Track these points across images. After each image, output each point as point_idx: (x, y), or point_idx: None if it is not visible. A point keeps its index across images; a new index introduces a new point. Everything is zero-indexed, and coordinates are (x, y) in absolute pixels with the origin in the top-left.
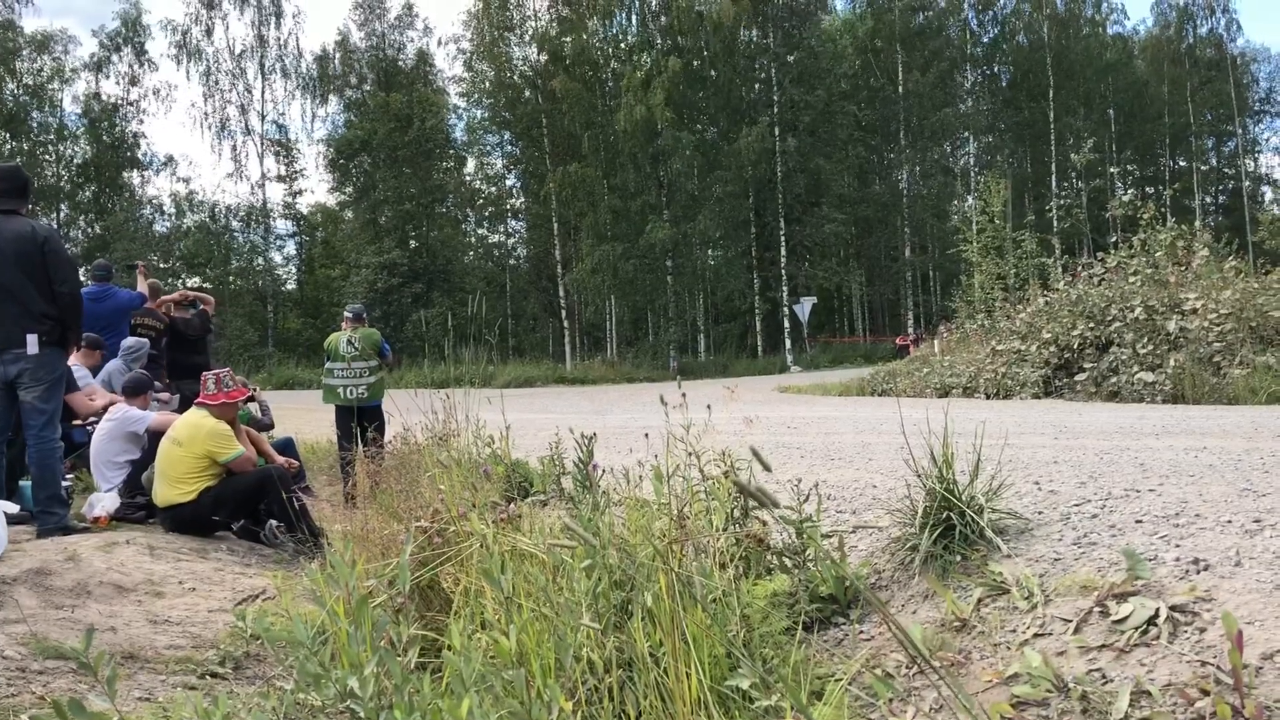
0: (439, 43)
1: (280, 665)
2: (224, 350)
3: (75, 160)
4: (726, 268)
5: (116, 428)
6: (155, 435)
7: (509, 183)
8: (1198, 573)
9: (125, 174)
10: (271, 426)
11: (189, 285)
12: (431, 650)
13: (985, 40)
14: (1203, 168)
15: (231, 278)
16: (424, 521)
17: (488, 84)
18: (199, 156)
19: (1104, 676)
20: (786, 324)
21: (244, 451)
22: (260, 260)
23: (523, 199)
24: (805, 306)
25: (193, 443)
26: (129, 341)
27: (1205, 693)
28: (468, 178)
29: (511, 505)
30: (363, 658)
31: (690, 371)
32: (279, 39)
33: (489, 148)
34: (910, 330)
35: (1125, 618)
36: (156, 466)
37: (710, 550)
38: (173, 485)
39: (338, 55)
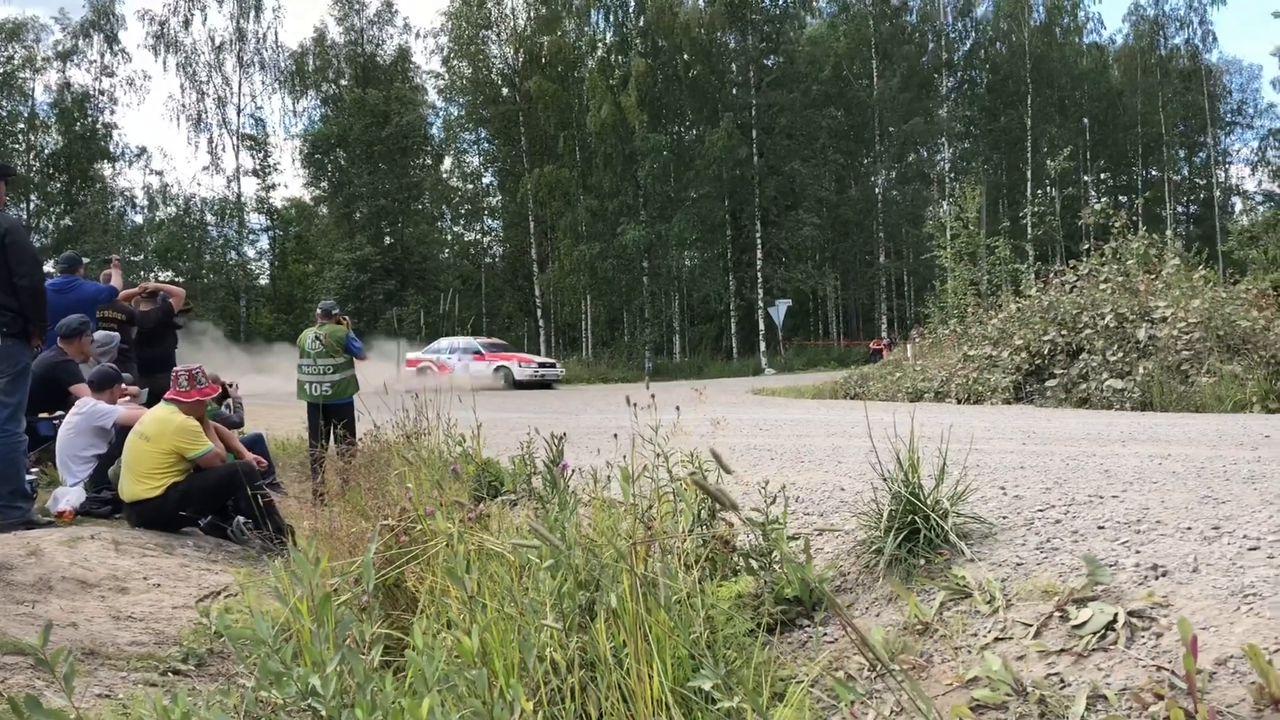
0: (417, 35)
1: (243, 663)
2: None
3: (45, 151)
4: (702, 270)
5: (83, 421)
6: (123, 430)
7: (485, 181)
8: (1156, 578)
9: (96, 165)
10: (240, 424)
11: (160, 279)
12: (396, 649)
13: (963, 47)
14: (1175, 177)
15: (204, 272)
16: (391, 520)
17: (465, 81)
18: (174, 149)
19: (1062, 680)
20: (761, 326)
21: (212, 448)
22: (233, 255)
23: (499, 197)
24: (780, 309)
25: (160, 438)
26: (99, 335)
27: (1160, 697)
28: (444, 175)
29: (481, 505)
30: (325, 656)
31: (665, 372)
32: (258, 32)
33: (465, 145)
34: (884, 335)
35: (1084, 623)
36: (124, 461)
37: (676, 551)
38: (139, 480)
39: (315, 50)
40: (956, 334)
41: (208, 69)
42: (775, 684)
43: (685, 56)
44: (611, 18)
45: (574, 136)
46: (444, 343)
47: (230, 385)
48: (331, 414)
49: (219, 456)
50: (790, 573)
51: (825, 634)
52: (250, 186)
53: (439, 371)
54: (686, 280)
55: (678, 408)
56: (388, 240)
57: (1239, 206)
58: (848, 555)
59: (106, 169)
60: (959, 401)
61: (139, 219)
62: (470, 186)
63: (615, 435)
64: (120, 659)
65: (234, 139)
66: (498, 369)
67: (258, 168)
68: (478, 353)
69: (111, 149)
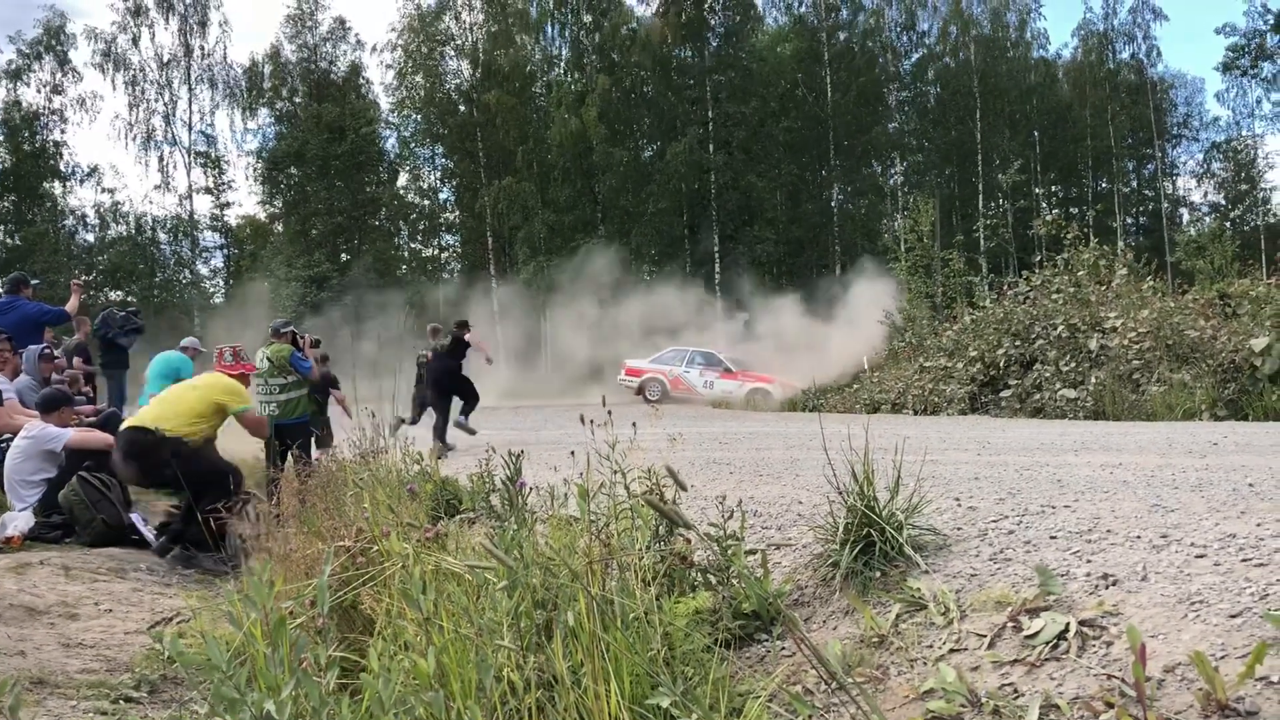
0: (372, 49)
1: (196, 689)
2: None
3: None
4: (661, 284)
5: (32, 445)
6: (74, 453)
7: (442, 197)
8: (1106, 588)
9: (46, 184)
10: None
11: (112, 297)
12: (353, 672)
13: (911, 61)
14: (1124, 189)
15: (156, 290)
16: (347, 541)
17: (420, 96)
18: (125, 167)
19: (1015, 691)
20: (720, 340)
21: (255, 407)
22: (187, 273)
23: (457, 213)
24: (740, 323)
25: (210, 389)
26: (33, 348)
27: (1110, 705)
28: (401, 191)
29: (438, 524)
30: (280, 680)
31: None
32: (205, 48)
33: (421, 161)
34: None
35: (1037, 633)
36: (160, 399)
37: (634, 568)
38: (171, 417)
39: (268, 67)
40: (912, 346)
41: (155, 86)
42: (734, 699)
43: (642, 72)
44: (567, 33)
45: (532, 151)
46: (671, 352)
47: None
48: (285, 434)
49: (259, 421)
50: (748, 588)
51: (783, 648)
52: (203, 204)
53: (670, 387)
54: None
55: (634, 424)
56: (345, 257)
57: (1186, 218)
58: (805, 569)
59: (56, 188)
60: (916, 413)
61: (90, 238)
62: (427, 202)
63: (572, 453)
64: (70, 687)
65: (185, 156)
66: (755, 390)
67: (210, 185)
68: (727, 370)
69: (61, 167)
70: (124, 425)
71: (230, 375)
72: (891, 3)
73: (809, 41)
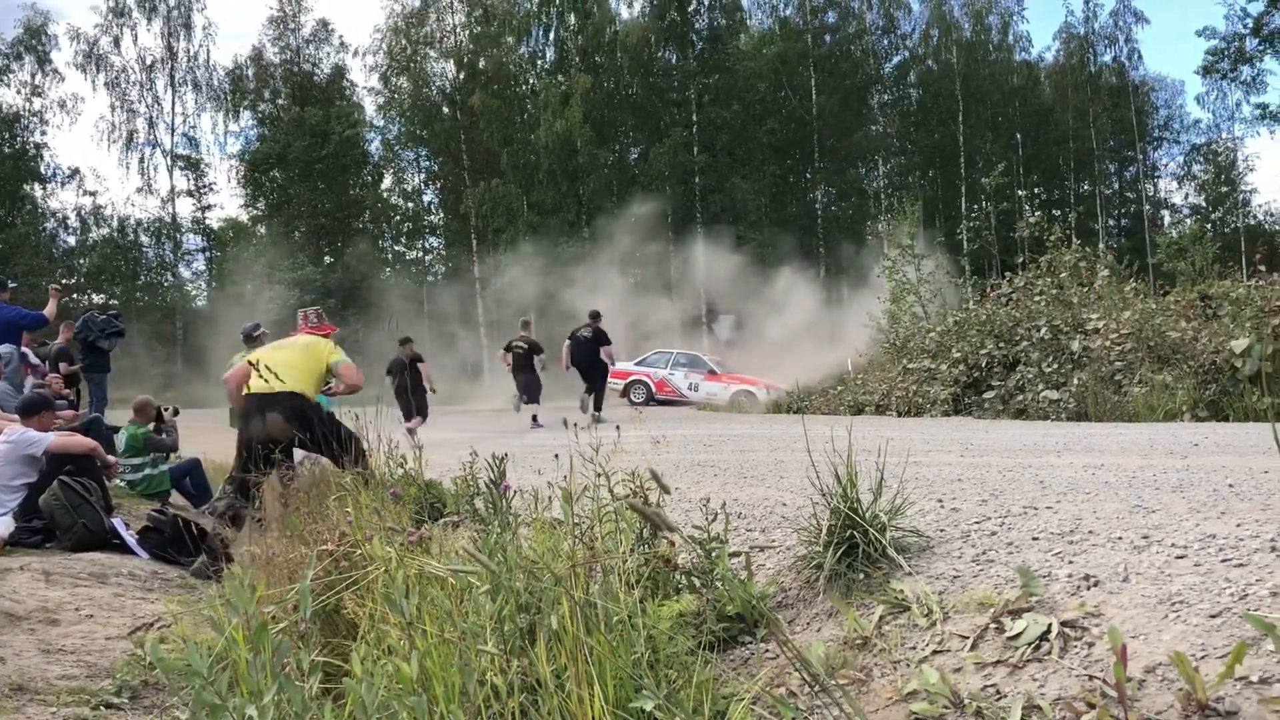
0: (355, 54)
1: (177, 694)
2: (130, 367)
3: None
4: (646, 284)
5: (12, 450)
6: (54, 458)
7: (426, 199)
8: (1088, 589)
9: (27, 187)
10: (175, 448)
11: (94, 300)
12: (336, 677)
13: (893, 63)
14: (1106, 191)
15: (139, 294)
16: (330, 545)
17: (405, 99)
18: (106, 170)
19: (998, 692)
20: (705, 341)
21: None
22: (169, 276)
23: (440, 215)
24: (724, 325)
25: (318, 347)
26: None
27: (1091, 706)
28: (385, 193)
29: (422, 527)
30: (263, 685)
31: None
32: (189, 51)
33: (405, 163)
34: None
35: (1019, 634)
36: (274, 361)
37: (618, 571)
38: (296, 378)
39: (251, 70)
40: (895, 347)
41: (138, 88)
42: (718, 702)
43: (626, 75)
44: (552, 35)
45: (517, 152)
46: (656, 354)
47: (166, 409)
48: None
49: (355, 370)
50: (732, 590)
51: (767, 650)
52: (185, 207)
53: (655, 390)
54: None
55: (618, 427)
56: (328, 260)
57: (1167, 220)
58: (789, 571)
59: (37, 190)
60: (899, 414)
61: (71, 241)
62: (411, 204)
63: (556, 455)
64: (50, 693)
65: (167, 159)
66: (740, 393)
67: (192, 188)
68: (711, 372)
69: (42, 170)
70: (263, 391)
71: (321, 334)
72: (873, 6)
73: (793, 44)
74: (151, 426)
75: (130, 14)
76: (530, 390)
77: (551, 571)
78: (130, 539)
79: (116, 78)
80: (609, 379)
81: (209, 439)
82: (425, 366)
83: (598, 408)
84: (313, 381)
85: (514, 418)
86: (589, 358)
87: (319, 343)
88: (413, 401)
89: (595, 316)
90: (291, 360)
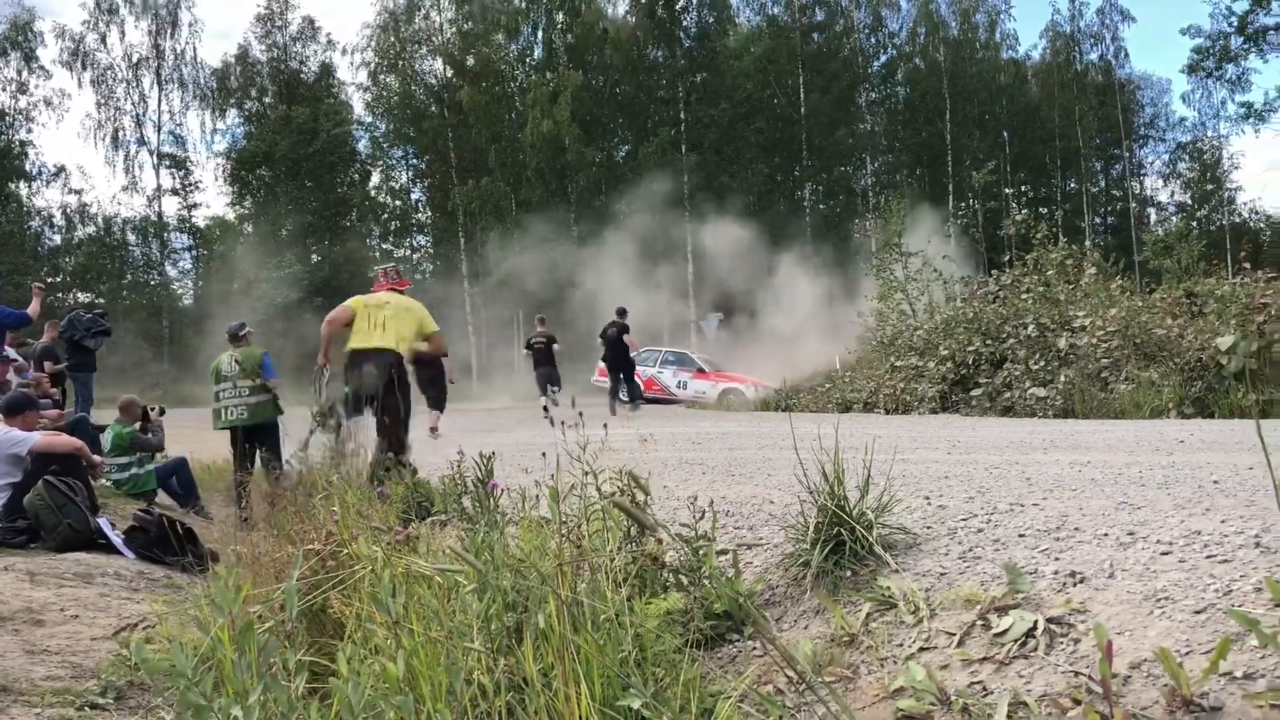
0: (343, 52)
1: (162, 695)
2: (116, 366)
3: None
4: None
5: None
6: (39, 457)
7: (414, 197)
8: (1074, 585)
9: (12, 184)
10: (160, 448)
11: (80, 299)
12: (323, 676)
13: (880, 61)
14: (1092, 189)
15: (125, 292)
16: (316, 544)
17: (394, 97)
18: (93, 168)
19: (984, 688)
20: (694, 339)
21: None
22: (155, 275)
23: (428, 213)
24: (712, 322)
25: (419, 310)
26: None
27: (1077, 702)
28: (372, 191)
29: (409, 526)
30: (248, 685)
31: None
32: (175, 49)
33: (393, 161)
34: None
35: (1005, 630)
36: (382, 323)
37: (605, 569)
38: (402, 335)
39: (238, 68)
40: (883, 345)
41: (125, 85)
42: (705, 700)
43: (614, 73)
44: (540, 33)
45: (505, 150)
46: (645, 353)
47: (152, 409)
48: (253, 437)
49: (443, 341)
50: (719, 588)
51: (754, 648)
52: (172, 205)
53: (644, 388)
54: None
55: (605, 425)
56: (315, 258)
57: (1154, 217)
58: (776, 568)
59: (22, 188)
60: (887, 412)
61: (57, 239)
62: (399, 203)
63: (544, 454)
64: (35, 694)
65: (153, 157)
66: (728, 391)
67: (178, 186)
68: (700, 370)
69: (28, 168)
70: (363, 346)
71: (404, 289)
72: (860, 4)
73: (782, 42)
74: (138, 426)
75: (118, 10)
76: (552, 380)
77: (538, 570)
78: (116, 539)
79: (103, 75)
80: (596, 378)
81: (196, 438)
82: (449, 361)
83: (637, 395)
84: (408, 342)
85: (535, 415)
86: (617, 351)
87: (419, 309)
88: (427, 394)
89: (622, 314)
90: (393, 320)
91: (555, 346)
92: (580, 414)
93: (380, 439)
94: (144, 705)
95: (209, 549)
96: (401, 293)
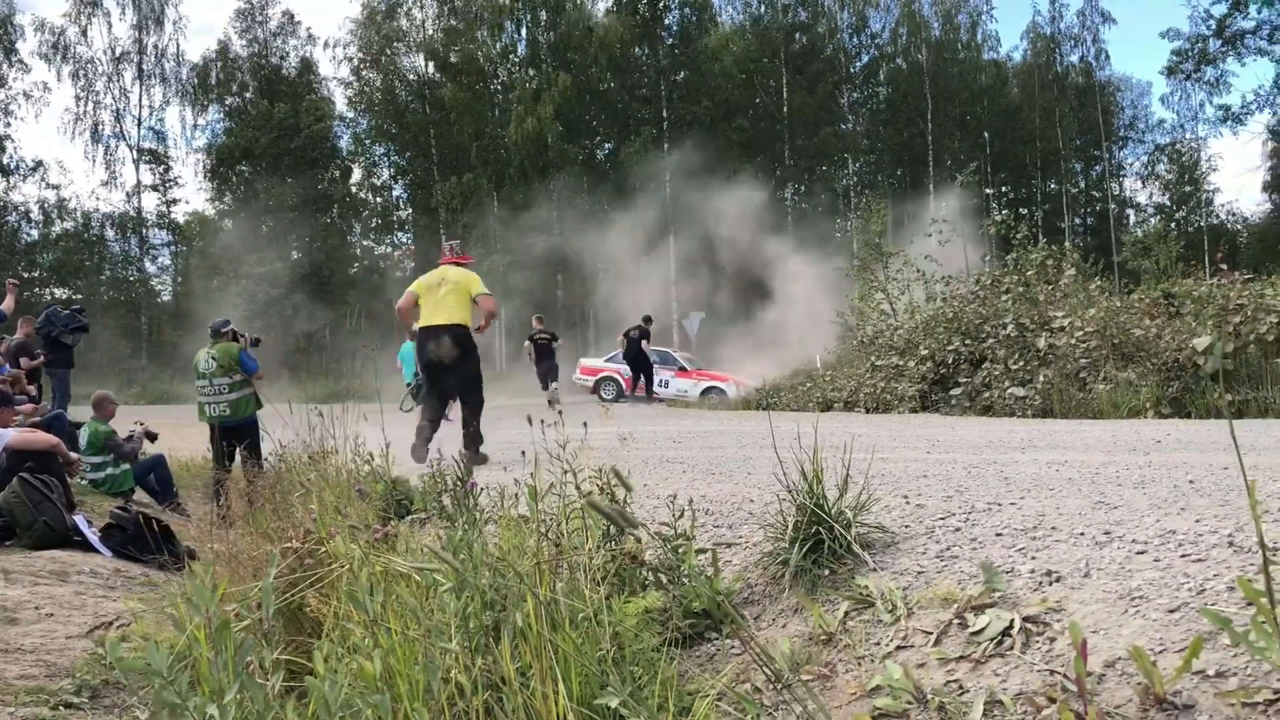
0: (324, 46)
1: (137, 694)
2: (95, 363)
3: None
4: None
5: None
6: (15, 454)
7: (395, 194)
8: (1050, 584)
9: None
10: (132, 458)
11: (56, 295)
12: (300, 675)
13: (862, 62)
14: (1072, 190)
15: (103, 288)
16: (294, 542)
17: (376, 94)
18: (71, 162)
19: (961, 687)
20: (676, 339)
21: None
22: (134, 271)
23: (409, 210)
24: (694, 322)
25: (466, 281)
26: None
27: (1053, 700)
28: (353, 188)
29: (388, 525)
30: (225, 684)
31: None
32: (159, 44)
33: (375, 158)
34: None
35: (982, 629)
36: (434, 303)
37: (584, 568)
38: (455, 313)
39: (219, 63)
40: (864, 344)
41: (105, 80)
42: (683, 699)
43: (595, 70)
44: (524, 31)
45: (487, 147)
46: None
47: (136, 423)
48: (233, 434)
49: (491, 300)
50: (698, 586)
51: (732, 647)
52: (151, 201)
53: (625, 387)
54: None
55: (585, 423)
56: (295, 255)
57: (1132, 218)
58: (755, 567)
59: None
60: (867, 411)
61: (34, 234)
62: (380, 199)
63: (524, 453)
64: (8, 693)
65: (133, 152)
66: (709, 389)
67: (157, 182)
68: (681, 368)
69: (4, 162)
70: (430, 324)
71: (465, 262)
72: (845, 5)
73: (765, 41)
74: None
75: (102, 3)
76: (552, 374)
77: (516, 569)
78: (92, 536)
79: (84, 68)
80: (578, 375)
81: (174, 435)
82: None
83: (649, 391)
84: (466, 311)
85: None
86: (635, 351)
87: (465, 276)
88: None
89: (648, 320)
90: (451, 294)
91: (556, 343)
92: (560, 412)
93: (438, 410)
94: (119, 704)
95: (186, 547)
96: (464, 265)
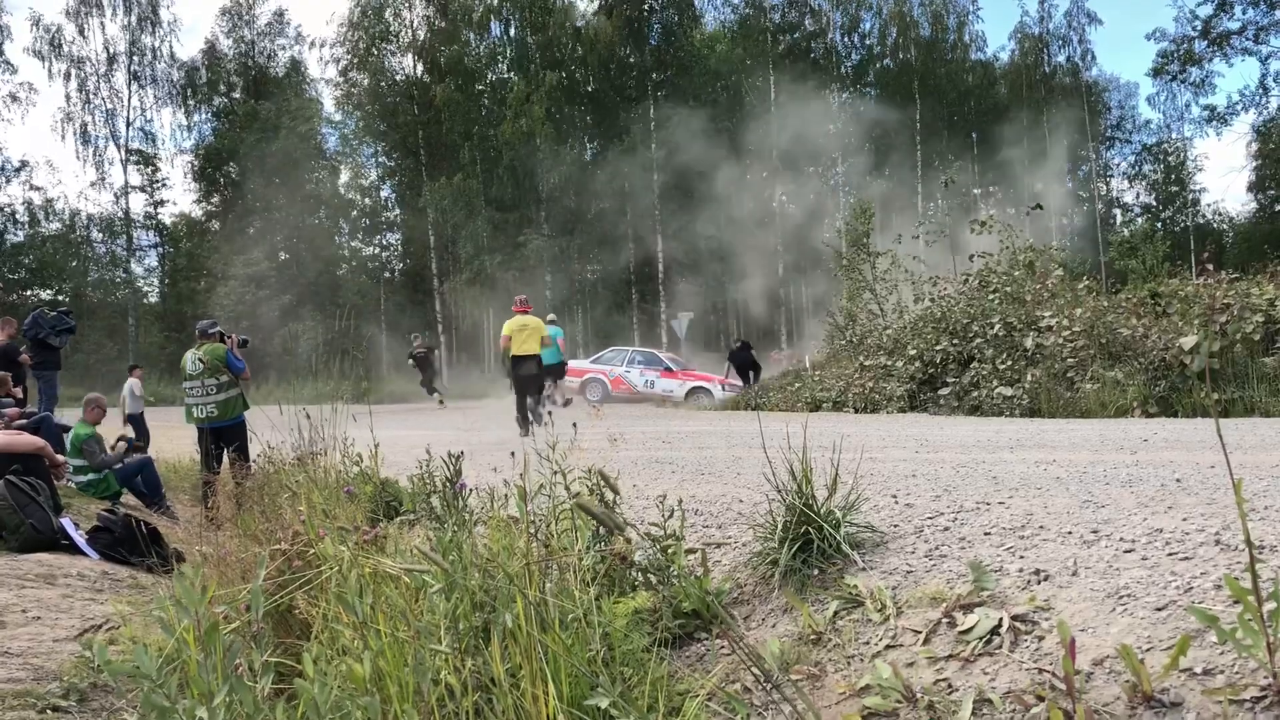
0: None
1: (125, 697)
2: (81, 364)
3: None
4: (604, 282)
5: None
6: (1, 457)
7: (384, 194)
8: (1038, 583)
9: None
10: (109, 467)
11: (41, 297)
12: (289, 677)
13: (851, 62)
14: (1059, 190)
15: (90, 290)
16: (283, 544)
17: (363, 94)
18: (58, 163)
19: (950, 686)
20: (664, 339)
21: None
22: (121, 272)
23: (397, 211)
24: (682, 322)
25: (539, 325)
26: None
27: (1041, 699)
28: (341, 189)
29: (377, 526)
30: (214, 686)
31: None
32: (152, 46)
33: (364, 159)
34: (783, 346)
35: (970, 628)
36: (523, 338)
37: (574, 569)
38: (529, 344)
39: (205, 63)
40: (853, 345)
41: (97, 80)
42: (673, 699)
43: (583, 70)
44: (512, 31)
45: (476, 147)
46: (612, 352)
47: (120, 438)
48: (221, 436)
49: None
50: (688, 587)
51: (722, 647)
52: (138, 202)
53: (610, 387)
54: (590, 293)
55: (574, 424)
56: (283, 256)
57: (1119, 218)
58: (745, 567)
59: None
60: (856, 411)
61: (20, 235)
62: (368, 200)
63: (513, 453)
64: None
65: (122, 153)
66: (695, 390)
67: (145, 183)
68: (667, 369)
69: None
70: (522, 353)
71: (528, 311)
72: (836, 5)
73: (753, 40)
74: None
75: (100, 4)
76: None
77: (505, 570)
78: (79, 539)
79: (77, 67)
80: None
81: (162, 436)
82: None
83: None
84: (538, 343)
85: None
86: (744, 361)
87: (537, 323)
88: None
89: (747, 345)
90: (532, 334)
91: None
92: (550, 413)
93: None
94: (107, 707)
95: (174, 549)
96: (528, 313)
